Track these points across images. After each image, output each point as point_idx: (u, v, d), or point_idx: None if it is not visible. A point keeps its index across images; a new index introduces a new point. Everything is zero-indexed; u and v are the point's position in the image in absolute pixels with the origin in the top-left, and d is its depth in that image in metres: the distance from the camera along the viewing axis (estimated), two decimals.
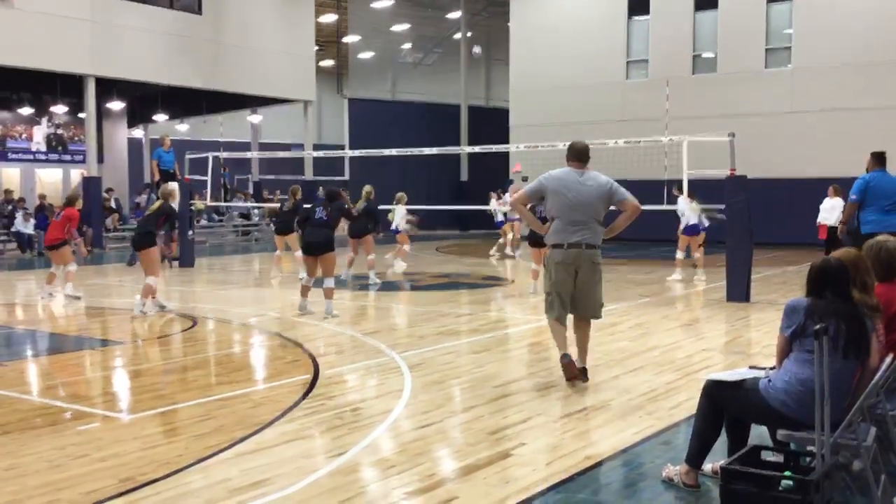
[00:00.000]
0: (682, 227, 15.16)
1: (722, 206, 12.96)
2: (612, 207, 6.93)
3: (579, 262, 6.77)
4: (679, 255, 15.16)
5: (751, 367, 4.66)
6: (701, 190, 15.46)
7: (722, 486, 3.97)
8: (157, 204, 11.50)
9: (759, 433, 4.70)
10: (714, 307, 11.82)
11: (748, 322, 10.62)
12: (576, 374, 6.79)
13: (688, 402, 6.10)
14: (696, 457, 4.46)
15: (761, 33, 25.39)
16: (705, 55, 26.61)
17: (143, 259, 11.14)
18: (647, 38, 27.44)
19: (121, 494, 4.36)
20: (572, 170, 6.89)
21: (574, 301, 6.92)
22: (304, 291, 11.08)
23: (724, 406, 4.41)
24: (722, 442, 4.50)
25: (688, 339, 9.21)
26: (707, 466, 4.54)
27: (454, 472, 4.76)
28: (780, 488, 3.83)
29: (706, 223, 15.86)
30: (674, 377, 7.21)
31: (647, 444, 5.30)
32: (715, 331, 9.97)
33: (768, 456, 4.24)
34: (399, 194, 17.17)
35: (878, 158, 9.93)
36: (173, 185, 11.88)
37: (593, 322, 7.10)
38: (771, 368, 4.44)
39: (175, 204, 11.55)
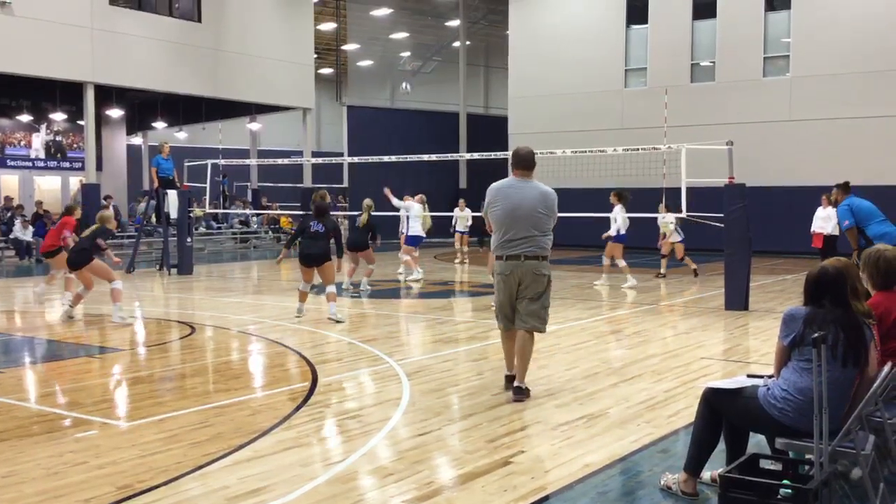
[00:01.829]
0: (612, 234, 15.59)
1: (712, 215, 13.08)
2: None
3: (520, 274, 6.55)
4: (606, 261, 15.60)
5: (749, 376, 4.66)
6: (699, 198, 15.48)
7: (720, 493, 3.97)
8: (93, 227, 11.38)
9: (757, 441, 4.70)
10: (712, 315, 11.83)
11: (747, 330, 10.63)
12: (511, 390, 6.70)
13: (686, 411, 6.10)
14: (694, 465, 4.46)
15: (759, 42, 25.44)
16: (704, 64, 26.66)
17: (85, 274, 11.08)
18: (646, 47, 27.49)
19: (119, 502, 4.36)
20: (515, 179, 6.63)
21: (516, 313, 6.67)
22: (303, 297, 11.25)
23: (723, 414, 4.41)
24: (720, 450, 4.50)
25: (686, 347, 9.21)
26: (706, 474, 4.54)
27: (453, 480, 4.76)
28: (779, 496, 3.83)
29: (681, 234, 16.38)
30: (672, 385, 7.21)
31: (646, 453, 5.29)
32: (713, 339, 9.97)
33: (767, 464, 4.24)
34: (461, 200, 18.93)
35: (846, 188, 10.76)
36: (110, 213, 12.01)
37: (591, 330, 7.13)
38: (769, 377, 4.44)
39: (111, 226, 11.66)
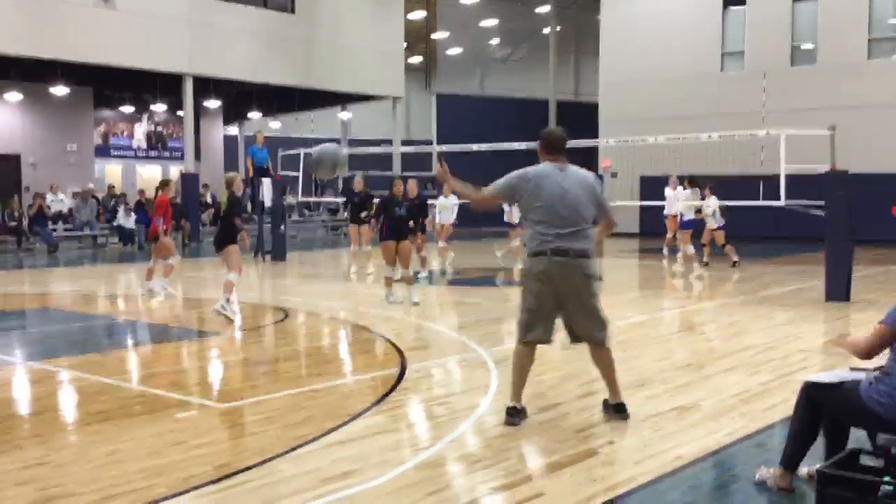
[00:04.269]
0: (682, 219, 15.73)
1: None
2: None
3: (566, 274, 5.54)
4: (690, 249, 15.17)
5: (851, 369, 4.50)
6: (799, 185, 15.02)
7: (818, 490, 3.85)
8: (226, 197, 10.56)
9: (858, 437, 4.53)
10: (812, 307, 11.45)
11: (848, 322, 10.25)
12: (514, 423, 5.56)
13: (783, 404, 5.93)
14: (791, 459, 4.33)
15: (864, 23, 24.43)
16: (804, 46, 25.76)
17: (230, 258, 10.42)
18: (744, 29, 26.72)
19: (216, 481, 4.50)
20: (552, 164, 5.70)
21: (572, 326, 5.76)
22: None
23: (823, 408, 4.27)
24: (818, 445, 4.36)
25: (784, 339, 8.93)
26: (803, 470, 4.41)
27: (540, 469, 4.74)
28: (879, 494, 3.69)
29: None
30: (768, 378, 7.01)
31: (740, 446, 5.17)
32: (813, 331, 9.65)
33: (867, 460, 4.09)
34: None
35: None
36: (235, 174, 10.98)
37: (683, 320, 6.94)
38: (875, 369, 4.27)
39: (238, 190, 10.61)
